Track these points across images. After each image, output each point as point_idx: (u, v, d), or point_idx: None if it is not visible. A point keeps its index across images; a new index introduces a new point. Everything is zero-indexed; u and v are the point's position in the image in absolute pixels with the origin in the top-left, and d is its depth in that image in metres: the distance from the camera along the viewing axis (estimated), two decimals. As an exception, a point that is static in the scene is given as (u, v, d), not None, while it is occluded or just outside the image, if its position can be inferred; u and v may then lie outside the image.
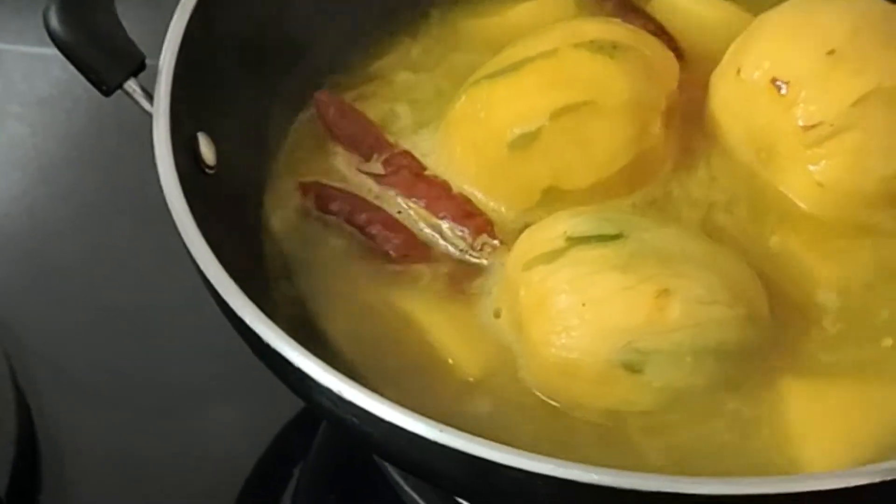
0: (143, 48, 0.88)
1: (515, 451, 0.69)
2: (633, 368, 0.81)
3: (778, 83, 0.89)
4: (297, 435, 1.01)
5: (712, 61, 0.96)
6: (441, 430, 0.70)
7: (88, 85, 0.88)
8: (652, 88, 0.92)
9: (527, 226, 0.89)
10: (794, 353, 0.85)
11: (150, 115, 0.85)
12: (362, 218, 0.91)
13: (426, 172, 0.93)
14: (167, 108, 0.84)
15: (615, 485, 0.68)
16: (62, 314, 1.07)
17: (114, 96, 0.88)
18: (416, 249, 0.90)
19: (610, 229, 0.84)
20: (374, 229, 0.90)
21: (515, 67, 0.92)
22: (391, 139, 0.95)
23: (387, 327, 0.87)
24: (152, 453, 0.99)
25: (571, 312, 0.82)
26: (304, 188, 0.93)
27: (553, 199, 0.90)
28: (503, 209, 0.91)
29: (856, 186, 0.89)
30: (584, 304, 0.81)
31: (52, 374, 1.04)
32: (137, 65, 0.87)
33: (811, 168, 0.89)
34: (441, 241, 0.90)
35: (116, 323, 1.06)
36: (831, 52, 0.88)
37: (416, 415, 0.70)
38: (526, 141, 0.90)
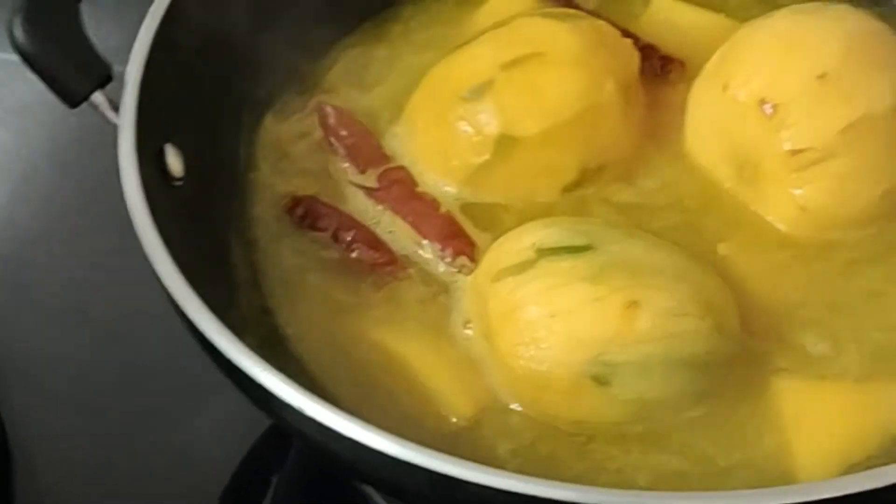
0: (110, 59, 0.88)
1: (477, 466, 0.68)
2: (601, 380, 0.80)
3: (766, 105, 0.88)
4: (274, 444, 1.00)
5: (698, 70, 0.96)
6: (402, 446, 0.69)
7: (65, 93, 0.88)
8: (604, 54, 0.92)
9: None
10: (769, 365, 0.85)
11: (117, 127, 0.85)
12: (349, 236, 0.90)
13: (417, 189, 0.94)
14: (133, 120, 0.84)
15: (577, 500, 0.67)
16: (37, 321, 1.07)
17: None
18: (398, 270, 0.90)
19: (580, 241, 0.83)
20: (358, 247, 0.90)
21: (471, 40, 0.95)
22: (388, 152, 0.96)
23: (364, 354, 0.86)
24: (127, 462, 0.99)
25: (540, 324, 0.81)
26: (295, 202, 0.93)
27: (507, 150, 0.90)
28: (457, 190, 0.92)
29: (838, 211, 0.89)
30: (552, 316, 0.81)
31: (26, 381, 1.03)
32: (104, 76, 0.86)
33: (795, 192, 0.89)
34: (421, 260, 0.90)
35: (92, 330, 1.06)
36: (822, 76, 0.87)
37: (377, 430, 0.70)
38: (478, 92, 0.91)
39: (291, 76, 1.00)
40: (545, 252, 0.83)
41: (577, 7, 1.02)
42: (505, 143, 0.91)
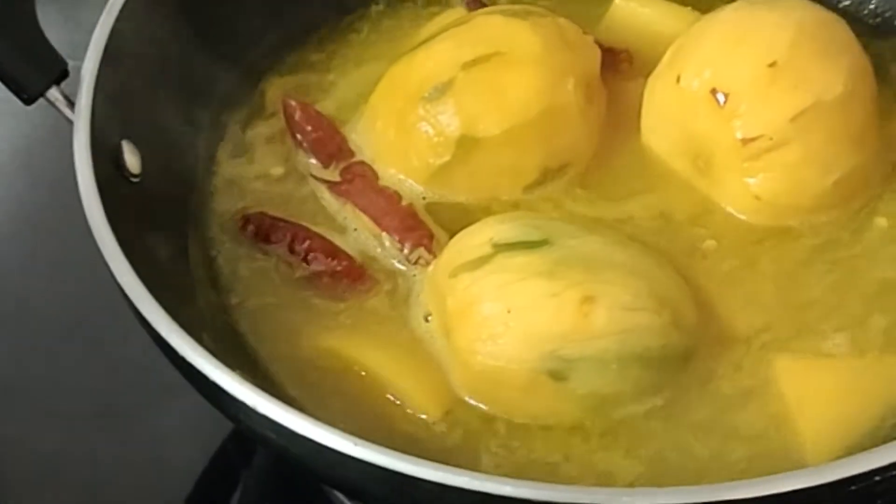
0: (66, 55, 0.87)
1: (429, 463, 0.68)
2: (558, 376, 0.80)
3: (718, 94, 0.88)
4: (241, 443, 1.00)
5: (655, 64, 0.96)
6: (356, 444, 0.69)
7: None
8: (565, 52, 0.92)
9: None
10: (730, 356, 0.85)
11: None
12: (304, 246, 0.90)
13: (379, 183, 0.93)
14: (88, 117, 0.84)
15: (531, 497, 0.67)
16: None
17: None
18: (356, 275, 0.89)
19: (536, 236, 0.84)
20: (315, 257, 0.90)
21: (432, 37, 0.95)
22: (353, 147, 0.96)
23: (324, 355, 0.86)
24: (92, 462, 0.98)
25: (496, 320, 0.81)
26: (246, 219, 0.92)
27: (468, 150, 0.90)
28: (421, 189, 0.92)
29: (792, 199, 0.89)
30: (509, 312, 0.81)
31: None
32: (59, 73, 0.86)
33: (749, 181, 0.89)
34: (380, 255, 0.90)
35: (55, 330, 1.05)
36: (772, 65, 0.88)
37: (330, 428, 0.70)
38: (439, 92, 0.91)
39: (253, 73, 1.00)
40: (501, 247, 0.83)
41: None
42: (466, 144, 0.91)
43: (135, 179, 0.87)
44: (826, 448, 0.80)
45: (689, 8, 1.02)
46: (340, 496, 0.93)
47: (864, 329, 0.86)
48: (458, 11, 1.03)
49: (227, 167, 0.96)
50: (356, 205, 0.92)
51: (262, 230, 0.91)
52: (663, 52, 0.94)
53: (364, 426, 0.80)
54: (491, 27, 0.93)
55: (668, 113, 0.93)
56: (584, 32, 0.97)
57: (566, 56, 0.92)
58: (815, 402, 0.83)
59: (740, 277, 0.89)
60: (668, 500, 0.66)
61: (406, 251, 0.89)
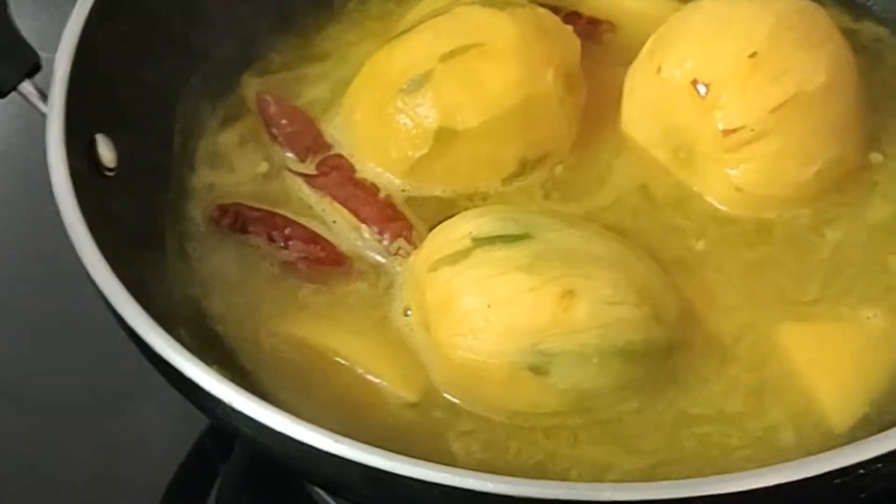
0: (39, 47, 0.86)
1: (409, 460, 0.67)
2: (538, 370, 0.80)
3: (699, 85, 0.88)
4: (219, 437, 0.99)
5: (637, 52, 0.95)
6: (336, 441, 0.68)
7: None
8: (544, 42, 0.92)
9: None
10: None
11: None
12: (283, 234, 0.90)
13: (356, 175, 0.93)
14: (61, 110, 0.83)
15: (512, 493, 0.66)
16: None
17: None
18: (337, 262, 0.89)
19: (515, 229, 0.83)
20: (294, 244, 0.89)
21: (410, 28, 0.94)
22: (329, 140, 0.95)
23: (301, 348, 0.85)
24: (71, 457, 0.97)
25: (477, 314, 0.80)
26: (222, 210, 0.92)
27: (446, 142, 0.90)
28: (400, 181, 0.91)
29: (773, 190, 0.89)
30: (489, 306, 0.80)
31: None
32: (31, 66, 0.85)
33: (729, 172, 0.89)
34: (360, 247, 0.89)
35: (30, 325, 1.04)
36: (753, 55, 0.87)
37: (309, 425, 0.69)
38: (417, 84, 0.90)
39: (230, 68, 0.99)
40: (481, 241, 0.82)
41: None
42: (444, 136, 0.90)
43: (110, 173, 0.86)
44: (849, 410, 0.81)
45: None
46: (320, 492, 0.93)
47: (854, 307, 0.86)
48: (438, 1, 1.02)
49: (204, 161, 0.95)
50: (334, 197, 0.91)
51: (238, 220, 0.90)
52: (646, 36, 0.94)
53: (342, 419, 0.80)
54: (469, 18, 0.92)
55: (648, 103, 0.92)
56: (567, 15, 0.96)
57: (545, 46, 0.92)
58: (829, 363, 0.83)
59: (723, 268, 0.88)
60: (647, 496, 0.65)
61: (386, 242, 0.89)
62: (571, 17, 0.99)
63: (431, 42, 0.92)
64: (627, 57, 0.95)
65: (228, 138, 0.96)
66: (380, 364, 0.84)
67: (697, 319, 0.86)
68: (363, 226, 0.90)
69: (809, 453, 0.69)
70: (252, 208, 0.91)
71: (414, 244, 0.88)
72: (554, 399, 0.81)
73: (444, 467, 0.67)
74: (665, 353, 0.83)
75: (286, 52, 1.01)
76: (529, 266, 0.81)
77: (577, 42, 0.95)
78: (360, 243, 0.90)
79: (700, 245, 0.89)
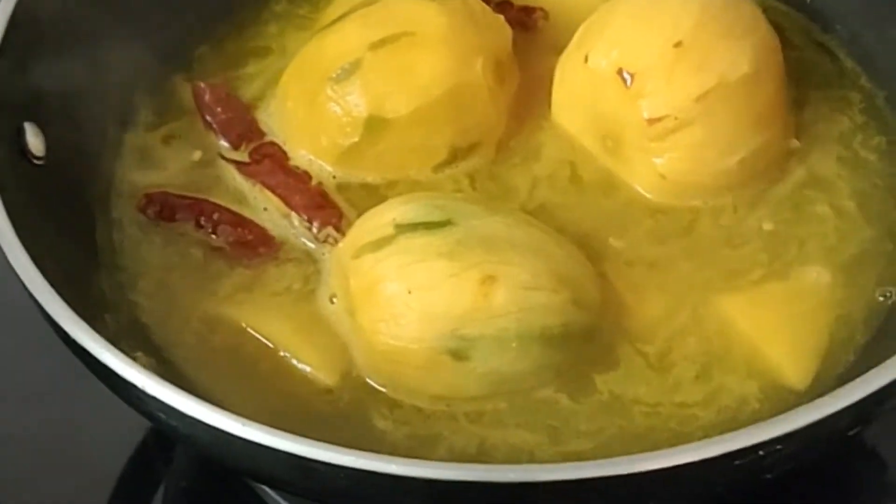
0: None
1: (313, 442, 0.68)
2: (458, 355, 0.81)
3: (624, 74, 0.89)
4: (162, 438, 0.97)
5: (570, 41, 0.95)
6: (244, 425, 0.69)
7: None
8: (473, 31, 0.92)
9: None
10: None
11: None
12: (211, 220, 0.91)
13: (289, 163, 0.94)
14: (-11, 99, 0.83)
15: (422, 476, 0.67)
16: None
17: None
18: (267, 244, 0.90)
19: (438, 216, 0.84)
20: (223, 229, 0.90)
21: (341, 18, 0.94)
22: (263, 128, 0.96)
23: (227, 336, 0.86)
24: (7, 462, 0.96)
25: (398, 300, 0.81)
26: (149, 199, 0.92)
27: (376, 131, 0.90)
28: (331, 169, 0.92)
29: (696, 179, 0.90)
30: (410, 292, 0.81)
31: None
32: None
33: (654, 160, 0.90)
34: (290, 235, 0.90)
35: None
36: (678, 45, 0.88)
37: (218, 409, 0.70)
38: (347, 73, 0.91)
39: (165, 55, 0.99)
40: (403, 228, 0.83)
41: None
42: (374, 125, 0.91)
43: (38, 162, 0.86)
44: (806, 366, 0.83)
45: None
46: (269, 491, 0.93)
47: (793, 271, 0.88)
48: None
49: (135, 151, 0.96)
50: (265, 185, 0.92)
51: (166, 209, 0.91)
52: (579, 24, 0.94)
53: (268, 407, 0.82)
54: (399, 7, 0.93)
55: (577, 92, 0.93)
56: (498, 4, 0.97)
57: (474, 35, 0.92)
58: (774, 325, 0.85)
59: (651, 254, 0.89)
60: (548, 477, 0.66)
61: (315, 230, 0.90)
62: (503, 6, 0.99)
63: (361, 31, 0.92)
64: (560, 45, 0.96)
65: (163, 127, 0.97)
66: (302, 347, 0.85)
67: (626, 304, 0.87)
68: (293, 213, 0.91)
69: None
70: (179, 196, 0.92)
71: (343, 232, 0.89)
72: (474, 383, 0.82)
73: (347, 450, 0.67)
74: (585, 337, 0.84)
75: (224, 41, 1.02)
76: (450, 252, 0.82)
77: (507, 31, 0.96)
78: (290, 231, 0.90)
79: (627, 232, 0.90)
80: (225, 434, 0.69)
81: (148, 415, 0.74)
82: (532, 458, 0.80)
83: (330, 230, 0.89)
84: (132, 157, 0.95)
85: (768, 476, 0.71)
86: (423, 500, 0.71)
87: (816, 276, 0.88)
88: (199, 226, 0.90)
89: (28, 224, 0.79)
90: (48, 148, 0.87)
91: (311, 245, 0.90)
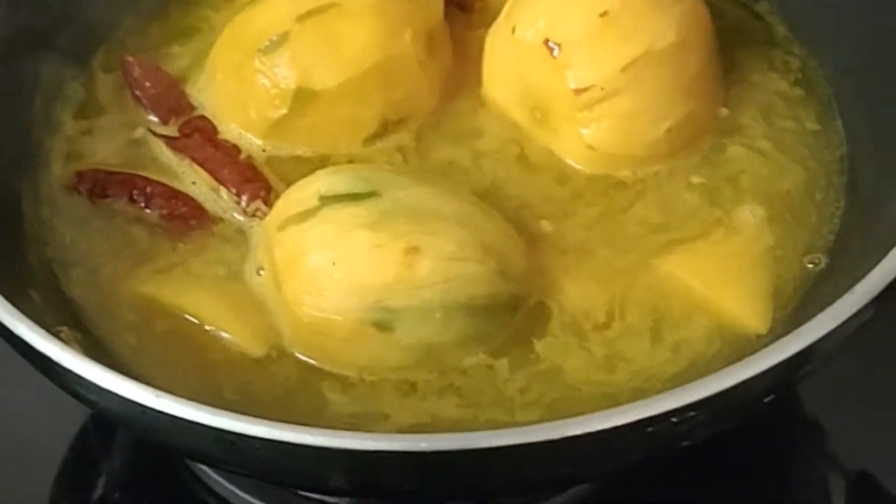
0: None
1: (227, 413, 0.68)
2: (383, 326, 0.81)
3: (551, 44, 0.89)
4: (104, 425, 0.98)
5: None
6: (158, 396, 0.69)
7: None
8: (402, 3, 0.92)
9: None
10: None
11: None
12: (144, 193, 0.90)
13: (218, 137, 0.93)
14: None
15: (328, 445, 0.67)
16: None
17: None
18: (200, 216, 0.90)
19: (364, 188, 0.84)
20: (156, 202, 0.90)
21: None
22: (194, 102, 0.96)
23: (154, 311, 0.86)
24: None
25: (322, 272, 0.81)
26: (80, 176, 0.92)
27: (305, 103, 0.90)
28: (261, 142, 0.92)
29: (624, 150, 0.90)
30: (334, 264, 0.81)
31: None
32: None
33: (582, 131, 0.90)
34: (219, 208, 0.90)
35: None
36: (604, 15, 0.88)
37: (132, 381, 0.70)
38: (275, 45, 0.91)
39: (95, 31, 0.99)
40: (328, 200, 0.83)
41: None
42: (303, 97, 0.91)
43: (-38, 136, 0.87)
44: (761, 308, 0.84)
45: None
46: (211, 472, 0.93)
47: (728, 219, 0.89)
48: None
49: (66, 126, 0.95)
50: (194, 159, 0.92)
51: (98, 185, 0.91)
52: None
53: (198, 383, 0.82)
54: None
55: (506, 64, 0.93)
56: None
57: (403, 7, 0.92)
58: (722, 274, 0.86)
59: (584, 223, 0.89)
60: (454, 445, 0.66)
61: (243, 203, 0.89)
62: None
63: (289, 3, 0.92)
64: (492, 17, 0.95)
65: (92, 103, 0.96)
66: (228, 319, 0.84)
67: (558, 277, 0.86)
68: (222, 187, 0.90)
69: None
70: (110, 172, 0.91)
71: (271, 205, 0.89)
72: (399, 354, 0.82)
73: (260, 420, 0.67)
74: (512, 308, 0.84)
75: (156, 16, 1.01)
76: (375, 223, 0.82)
77: (438, 3, 0.95)
78: (219, 204, 0.90)
79: (557, 204, 0.90)
80: (140, 406, 0.69)
81: (67, 389, 0.74)
82: (460, 429, 0.80)
83: (258, 204, 0.89)
84: (61, 134, 0.95)
85: (685, 443, 0.72)
86: (346, 472, 0.71)
87: (751, 214, 0.89)
88: (131, 200, 0.90)
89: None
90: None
91: (240, 219, 0.90)
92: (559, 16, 0.89)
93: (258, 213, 0.89)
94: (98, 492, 0.96)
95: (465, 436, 0.68)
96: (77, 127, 0.95)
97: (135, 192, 0.90)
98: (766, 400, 0.72)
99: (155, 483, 0.96)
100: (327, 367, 0.83)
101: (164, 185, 0.91)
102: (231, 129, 0.93)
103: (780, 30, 0.99)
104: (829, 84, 0.96)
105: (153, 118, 0.95)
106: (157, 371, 0.82)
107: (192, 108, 0.95)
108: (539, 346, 0.84)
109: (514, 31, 0.90)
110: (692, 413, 0.68)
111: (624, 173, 0.91)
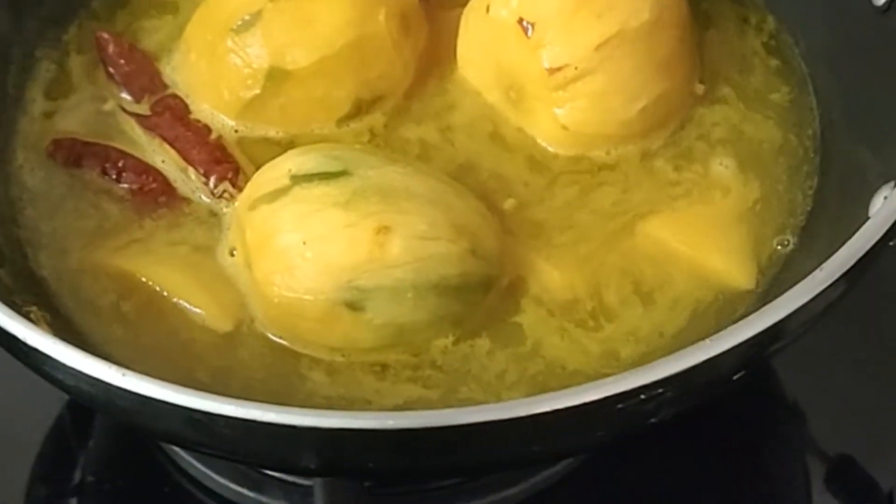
0: None
1: (191, 391, 0.67)
2: (354, 306, 0.80)
3: (525, 24, 0.88)
4: (81, 411, 0.97)
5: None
6: (124, 374, 0.68)
7: None
8: None
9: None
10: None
11: None
12: (116, 167, 0.90)
13: (189, 117, 0.93)
14: None
15: (294, 423, 0.67)
16: None
17: None
18: (170, 193, 0.89)
19: (335, 167, 0.83)
20: (127, 176, 0.90)
21: None
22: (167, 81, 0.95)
23: (124, 289, 0.85)
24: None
25: (293, 251, 0.81)
26: (56, 144, 0.92)
27: (278, 83, 0.90)
28: (233, 122, 0.91)
29: (598, 129, 0.90)
30: (304, 243, 0.81)
31: None
32: None
33: (556, 111, 0.89)
34: (190, 190, 0.90)
35: None
36: None
37: (98, 359, 0.69)
38: (247, 24, 0.90)
39: (68, 8, 0.98)
40: (299, 179, 0.83)
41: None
42: (276, 76, 0.90)
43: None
44: (746, 263, 0.85)
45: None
46: (190, 459, 0.93)
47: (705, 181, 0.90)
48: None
49: (38, 104, 0.95)
50: (164, 138, 0.91)
51: (73, 154, 0.91)
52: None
53: (165, 360, 0.82)
54: None
55: (480, 44, 0.92)
56: None
57: None
58: (704, 234, 0.87)
59: (560, 203, 0.89)
60: (418, 423, 0.66)
61: (211, 185, 0.89)
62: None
63: None
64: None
65: (64, 81, 0.96)
66: (195, 292, 0.84)
67: (532, 256, 0.86)
68: (190, 168, 0.90)
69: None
70: (87, 142, 0.91)
71: (240, 187, 0.88)
72: (371, 334, 0.81)
73: (222, 398, 0.67)
74: (484, 287, 0.83)
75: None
76: (346, 203, 0.81)
77: None
78: (187, 185, 0.90)
79: (531, 185, 0.90)
80: (105, 384, 0.69)
81: (36, 369, 0.74)
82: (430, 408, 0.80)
83: (226, 185, 0.89)
84: (33, 108, 0.94)
85: (653, 420, 0.71)
86: (314, 452, 0.71)
87: (724, 169, 0.90)
88: (104, 173, 0.90)
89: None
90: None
91: (207, 200, 0.89)
92: (533, -6, 0.89)
93: (226, 195, 0.89)
94: (75, 478, 0.95)
95: (435, 413, 0.68)
96: (49, 105, 0.95)
97: (107, 164, 0.90)
98: (735, 378, 0.72)
99: (132, 467, 0.96)
100: (299, 349, 0.83)
101: (137, 159, 0.90)
102: (203, 109, 0.93)
103: (757, 7, 0.99)
104: (803, 62, 0.96)
105: (126, 96, 0.94)
106: (128, 352, 0.82)
107: (165, 86, 0.95)
108: (515, 325, 0.84)
109: (488, 10, 0.90)
110: (661, 390, 0.68)
111: (598, 153, 0.90)
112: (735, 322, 0.70)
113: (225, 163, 0.89)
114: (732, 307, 0.85)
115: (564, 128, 0.89)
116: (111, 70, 0.95)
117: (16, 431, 0.96)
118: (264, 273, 0.82)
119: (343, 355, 0.82)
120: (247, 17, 0.90)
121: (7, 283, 0.81)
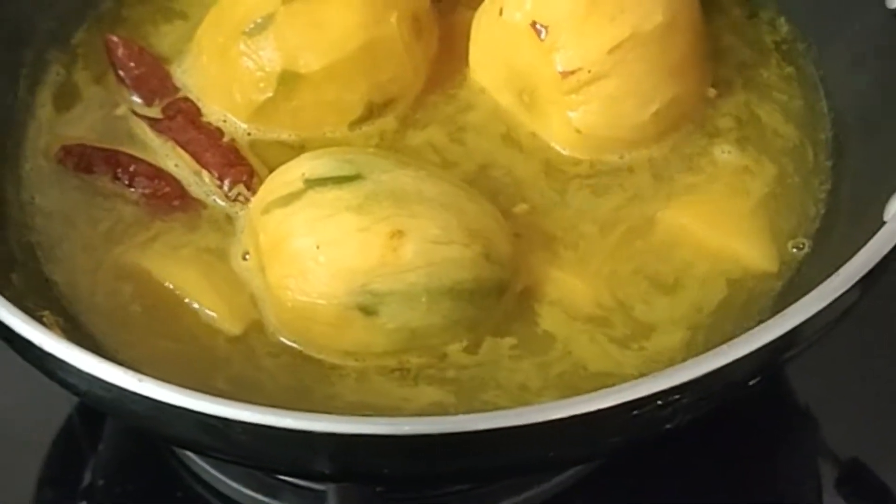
0: None
1: (208, 397, 0.67)
2: (367, 310, 0.80)
3: (538, 27, 0.88)
4: (91, 413, 0.97)
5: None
6: (140, 381, 0.68)
7: None
8: None
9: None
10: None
11: None
12: (128, 172, 0.90)
13: (201, 120, 0.93)
14: None
15: (309, 429, 0.67)
16: None
17: None
18: (182, 197, 0.89)
19: (348, 171, 0.83)
20: (140, 181, 0.90)
21: None
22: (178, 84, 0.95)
23: (137, 292, 0.85)
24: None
25: (306, 255, 0.81)
26: (66, 150, 0.91)
27: (290, 86, 0.90)
28: (245, 126, 0.91)
29: (611, 133, 0.90)
30: (318, 247, 0.81)
31: None
32: None
33: (570, 114, 0.89)
34: (203, 193, 0.89)
35: None
36: None
37: (115, 365, 0.69)
38: (260, 27, 0.90)
39: (77, 12, 0.98)
40: (313, 183, 0.83)
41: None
42: (288, 80, 0.90)
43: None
44: (767, 246, 0.86)
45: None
46: (199, 461, 0.93)
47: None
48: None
49: (48, 108, 0.94)
50: (176, 141, 0.91)
51: (83, 160, 0.90)
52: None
53: (179, 365, 0.82)
54: None
55: (493, 47, 0.92)
56: None
57: None
58: (722, 219, 0.87)
59: (574, 206, 0.89)
60: (443, 428, 0.66)
61: (225, 188, 0.89)
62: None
63: None
64: (481, 1, 0.95)
65: (74, 85, 0.96)
66: (206, 293, 0.84)
67: (541, 260, 0.86)
68: (204, 171, 0.90)
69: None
70: (97, 148, 0.91)
71: (254, 190, 0.88)
72: (384, 339, 0.81)
73: (238, 403, 0.67)
74: (498, 291, 0.83)
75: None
76: (359, 207, 0.81)
77: None
78: (201, 188, 0.90)
79: (544, 186, 0.90)
80: (122, 390, 0.69)
81: (49, 374, 0.74)
82: (444, 414, 0.80)
83: (240, 188, 0.89)
84: (44, 113, 0.94)
85: (669, 426, 0.71)
86: (329, 457, 0.71)
87: (726, 156, 0.90)
88: (115, 178, 0.90)
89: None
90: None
91: (222, 203, 0.89)
92: (546, -3, 0.88)
93: (240, 198, 0.88)
94: (85, 481, 0.95)
95: (450, 419, 0.68)
96: (59, 109, 0.94)
97: (119, 169, 0.90)
98: (750, 383, 0.72)
99: (143, 471, 0.96)
100: (312, 353, 0.82)
101: (148, 163, 0.90)
102: (215, 112, 0.93)
103: (770, 10, 0.99)
104: (816, 66, 0.95)
105: (136, 99, 0.94)
106: (139, 355, 0.81)
107: (176, 89, 0.94)
108: (536, 328, 0.84)
109: (501, 13, 0.90)
110: (677, 396, 0.68)
111: (611, 156, 0.90)
112: (761, 309, 0.74)
113: (239, 165, 0.89)
114: (760, 287, 0.85)
115: (577, 131, 0.89)
116: (121, 73, 0.95)
117: (24, 433, 0.96)
118: (277, 277, 0.82)
119: (356, 359, 0.82)
120: (259, 20, 0.90)
121: (20, 287, 0.80)
